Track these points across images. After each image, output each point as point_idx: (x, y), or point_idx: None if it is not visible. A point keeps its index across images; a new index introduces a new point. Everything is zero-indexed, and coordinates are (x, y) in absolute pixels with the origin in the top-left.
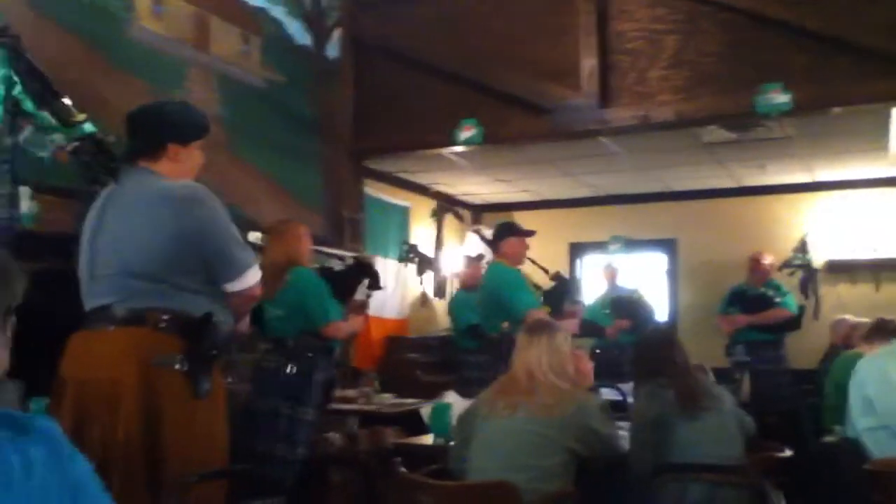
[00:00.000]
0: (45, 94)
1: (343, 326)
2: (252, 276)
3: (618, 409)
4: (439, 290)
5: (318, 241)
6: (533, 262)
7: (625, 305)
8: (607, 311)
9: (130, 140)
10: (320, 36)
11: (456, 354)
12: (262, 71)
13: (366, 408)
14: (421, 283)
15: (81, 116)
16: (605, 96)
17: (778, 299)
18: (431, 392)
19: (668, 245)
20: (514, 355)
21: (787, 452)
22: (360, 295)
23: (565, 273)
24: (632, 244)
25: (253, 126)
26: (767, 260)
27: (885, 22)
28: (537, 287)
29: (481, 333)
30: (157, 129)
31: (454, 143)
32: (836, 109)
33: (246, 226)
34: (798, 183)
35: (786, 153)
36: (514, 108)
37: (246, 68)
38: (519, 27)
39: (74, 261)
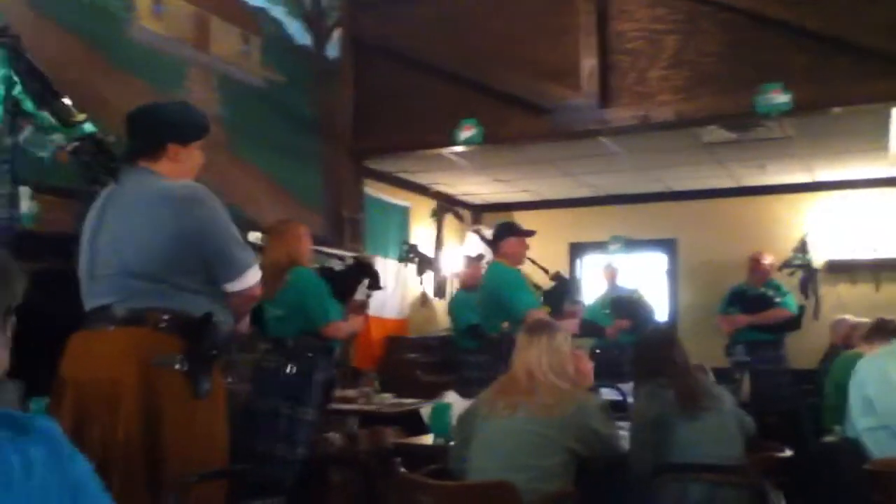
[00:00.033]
0: (45, 94)
1: (343, 326)
2: (252, 276)
3: (618, 409)
4: (439, 290)
5: (318, 241)
6: (533, 262)
7: (625, 305)
8: (607, 311)
9: (130, 140)
10: (320, 36)
11: (456, 354)
12: (262, 71)
13: (366, 408)
14: (421, 283)
15: (81, 116)
16: (605, 96)
17: (778, 299)
18: (431, 392)
19: (668, 245)
20: (514, 355)
21: (787, 452)
22: (360, 295)
23: (565, 273)
24: (632, 244)
25: (253, 126)
26: (767, 260)
27: (885, 22)
28: (537, 287)
29: (481, 333)
30: (156, 130)
31: (454, 143)
32: (836, 109)
33: (246, 226)
34: (798, 183)
35: (786, 153)
36: (514, 108)
37: (246, 68)
38: (519, 27)
39: (74, 261)
